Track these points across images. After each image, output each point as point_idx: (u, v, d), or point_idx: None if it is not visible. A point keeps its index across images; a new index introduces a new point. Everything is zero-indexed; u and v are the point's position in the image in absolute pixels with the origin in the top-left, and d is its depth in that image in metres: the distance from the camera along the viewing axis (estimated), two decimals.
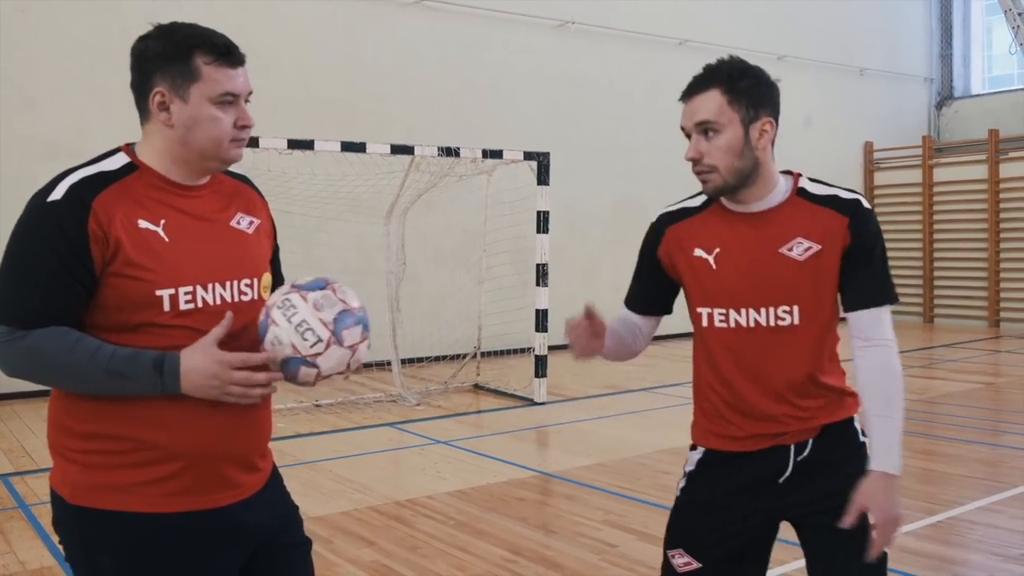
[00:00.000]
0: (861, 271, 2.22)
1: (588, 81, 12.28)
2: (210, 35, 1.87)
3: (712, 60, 2.27)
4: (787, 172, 2.32)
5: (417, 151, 8.00)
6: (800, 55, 14.92)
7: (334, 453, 6.55)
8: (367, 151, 7.70)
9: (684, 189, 2.53)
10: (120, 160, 1.86)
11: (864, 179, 16.24)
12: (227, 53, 1.87)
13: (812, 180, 2.31)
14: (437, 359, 10.40)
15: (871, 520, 2.13)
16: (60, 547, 1.93)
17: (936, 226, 15.34)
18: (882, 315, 2.25)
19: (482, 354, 9.57)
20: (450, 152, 8.05)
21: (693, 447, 2.42)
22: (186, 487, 1.84)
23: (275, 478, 2.09)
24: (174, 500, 1.83)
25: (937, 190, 15.34)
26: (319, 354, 1.80)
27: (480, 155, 8.26)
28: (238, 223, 1.99)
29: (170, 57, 1.83)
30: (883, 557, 2.20)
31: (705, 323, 2.27)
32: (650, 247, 2.39)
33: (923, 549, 4.40)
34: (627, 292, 2.48)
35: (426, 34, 11.23)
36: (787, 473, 2.24)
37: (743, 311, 2.22)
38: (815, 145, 15.28)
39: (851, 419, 2.31)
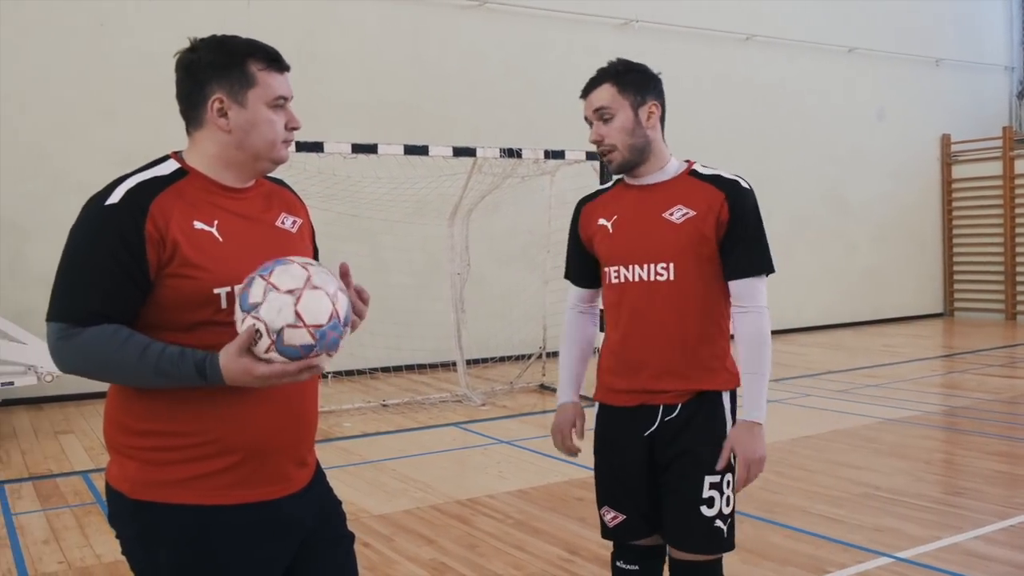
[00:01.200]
0: (739, 244, 2.57)
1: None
2: (259, 44, 1.98)
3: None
4: (686, 160, 2.70)
5: (479, 152, 8.05)
6: (872, 47, 14.58)
7: (399, 452, 6.63)
8: (430, 153, 7.77)
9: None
10: (171, 165, 1.95)
11: (941, 172, 15.78)
12: (276, 60, 1.98)
13: (704, 166, 2.68)
14: (502, 359, 10.45)
15: (737, 460, 2.56)
16: (117, 541, 1.99)
17: (1019, 220, 14.82)
18: (757, 283, 2.60)
19: (547, 354, 9.58)
20: (512, 153, 8.07)
21: (592, 404, 2.81)
22: (240, 480, 1.90)
23: (320, 473, 2.15)
24: (229, 493, 1.89)
25: (1019, 183, 14.81)
26: (258, 304, 1.73)
27: (542, 156, 8.27)
28: (283, 223, 2.07)
29: (225, 66, 1.93)
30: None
31: (606, 280, 2.69)
32: (573, 226, 2.83)
33: (995, 554, 4.27)
34: (567, 267, 2.90)
35: (489, 36, 11.28)
36: (653, 428, 2.62)
37: (631, 267, 2.61)
38: (889, 139, 14.93)
39: (720, 393, 2.63)
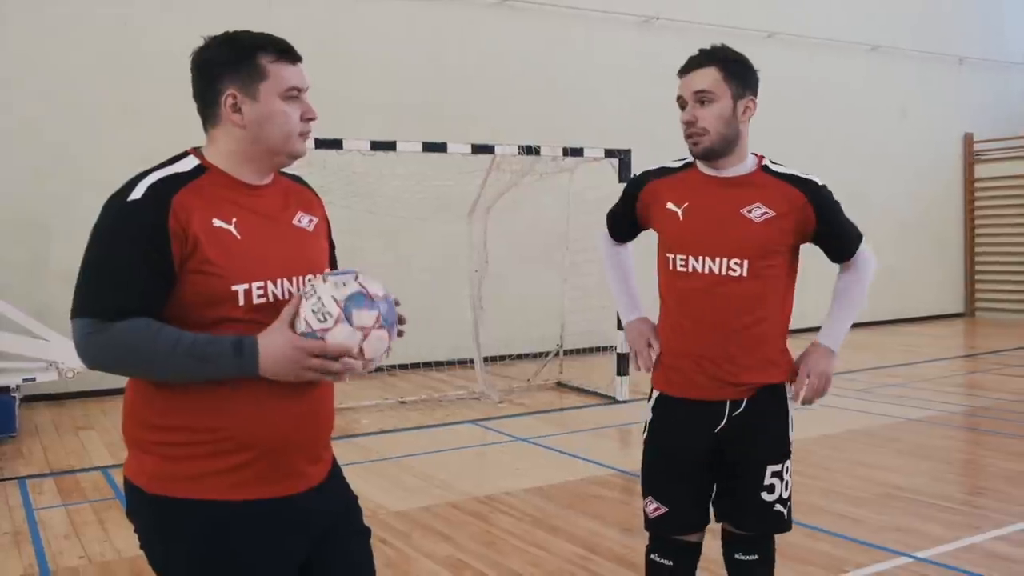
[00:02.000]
0: (835, 236, 2.73)
1: (672, 77, 12.00)
2: (268, 36, 1.98)
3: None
4: (753, 154, 2.72)
5: (498, 150, 8.04)
6: (895, 45, 14.47)
7: (417, 449, 6.65)
8: (448, 151, 7.78)
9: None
10: (191, 162, 1.96)
11: (964, 172, 15.65)
12: (287, 50, 1.98)
13: (773, 162, 2.71)
14: (520, 357, 10.45)
15: (805, 375, 2.67)
16: (136, 535, 2.00)
17: None
18: (862, 250, 2.79)
19: (565, 352, 9.57)
20: (530, 150, 8.07)
21: (650, 394, 2.81)
22: (257, 475, 1.91)
23: (336, 469, 2.16)
24: (246, 488, 1.91)
25: None
26: (327, 329, 1.84)
27: (560, 153, 8.26)
28: (299, 221, 2.07)
29: (236, 61, 1.94)
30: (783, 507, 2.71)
31: (670, 267, 2.68)
32: (631, 194, 2.84)
33: (1015, 555, 4.23)
34: (610, 215, 2.97)
35: (509, 33, 11.27)
36: (722, 424, 2.65)
37: (701, 259, 2.62)
38: (911, 137, 14.82)
39: (783, 384, 2.71)
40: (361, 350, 1.86)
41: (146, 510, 1.93)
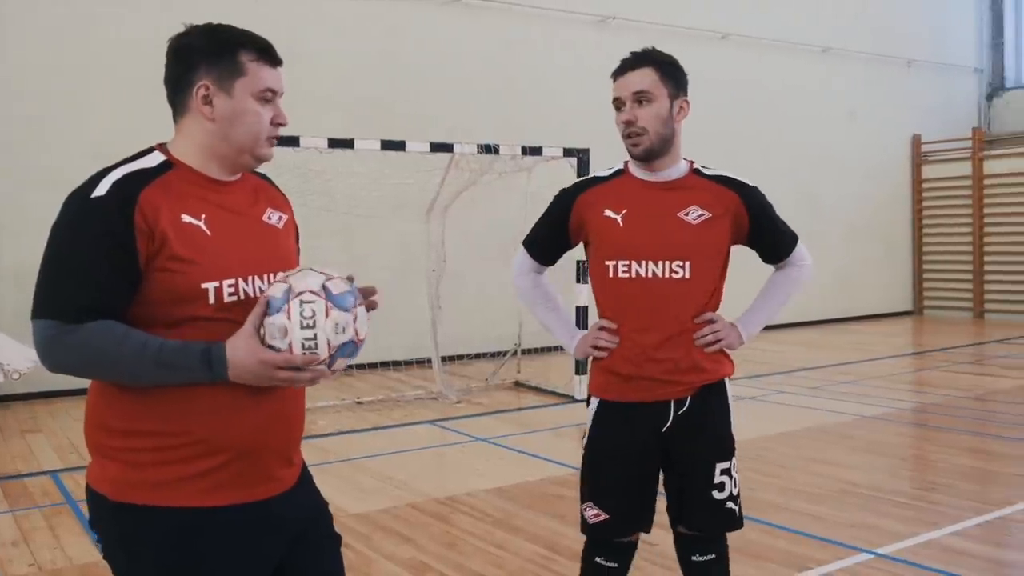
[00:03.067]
0: (769, 234, 2.79)
1: None
2: (252, 35, 1.95)
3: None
4: (684, 159, 2.77)
5: (456, 149, 7.99)
6: (845, 47, 14.67)
7: (375, 450, 6.57)
8: (407, 149, 7.70)
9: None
10: (157, 158, 1.90)
11: (912, 172, 15.93)
12: (269, 52, 1.95)
13: (703, 165, 2.77)
14: (478, 356, 10.40)
15: (715, 325, 2.70)
16: (97, 545, 1.93)
17: (987, 220, 14.99)
18: (799, 249, 2.86)
19: (523, 351, 9.55)
20: (489, 149, 8.03)
21: (588, 400, 2.83)
22: (228, 480, 1.86)
23: (306, 473, 2.11)
24: (217, 493, 1.85)
25: (988, 183, 14.98)
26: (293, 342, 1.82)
27: (519, 152, 8.23)
28: (269, 218, 2.03)
29: (215, 53, 1.89)
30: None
31: (611, 274, 2.68)
32: (560, 209, 2.80)
33: (972, 549, 4.28)
34: (532, 241, 2.91)
35: (466, 32, 11.22)
36: (668, 424, 2.69)
37: (644, 263, 2.65)
38: (861, 138, 15.04)
39: (724, 380, 2.78)
40: (330, 356, 1.82)
41: (110, 519, 1.86)
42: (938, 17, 16.18)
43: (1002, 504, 4.96)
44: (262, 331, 1.80)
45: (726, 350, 2.76)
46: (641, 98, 2.61)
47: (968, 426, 7.06)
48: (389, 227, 9.71)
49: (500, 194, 9.44)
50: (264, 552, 1.93)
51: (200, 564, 1.84)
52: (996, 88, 16.79)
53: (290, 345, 1.78)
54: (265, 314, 1.79)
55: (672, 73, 2.67)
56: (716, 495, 2.72)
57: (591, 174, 2.86)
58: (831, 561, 4.15)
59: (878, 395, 8.35)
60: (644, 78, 2.62)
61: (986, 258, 15.00)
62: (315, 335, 1.78)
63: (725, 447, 2.76)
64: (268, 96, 1.93)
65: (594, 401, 2.80)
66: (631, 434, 2.70)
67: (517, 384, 9.24)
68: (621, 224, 2.67)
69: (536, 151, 8.29)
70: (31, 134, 8.88)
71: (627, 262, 2.65)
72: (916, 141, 15.85)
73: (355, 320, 1.83)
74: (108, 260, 1.75)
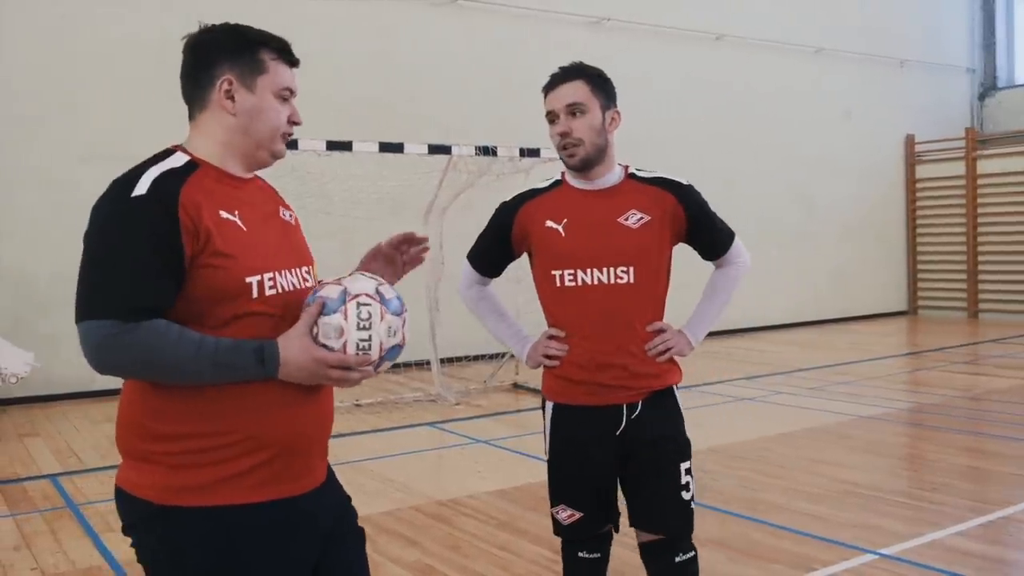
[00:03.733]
0: (707, 231, 2.85)
1: (623, 77, 11.88)
2: (271, 34, 2.02)
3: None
4: (619, 164, 2.82)
5: (455, 150, 8.00)
6: (838, 48, 14.73)
7: (375, 453, 6.57)
8: (405, 151, 7.71)
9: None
10: (181, 158, 1.92)
11: (906, 172, 15.99)
12: (288, 52, 2.02)
13: (638, 168, 2.83)
14: (476, 358, 10.40)
15: (665, 335, 2.76)
16: (134, 549, 1.93)
17: (980, 219, 15.07)
18: (736, 246, 2.93)
19: None
20: (487, 151, 8.04)
21: (543, 405, 2.88)
22: (273, 476, 1.88)
23: (330, 467, 2.16)
24: (262, 490, 1.87)
25: (981, 182, 15.05)
26: (347, 342, 1.89)
27: (517, 153, 8.24)
28: (284, 215, 2.09)
29: (239, 49, 1.95)
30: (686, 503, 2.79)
31: (557, 283, 2.73)
32: (502, 221, 2.86)
33: (972, 549, 4.31)
34: (476, 254, 2.98)
35: (461, 33, 11.23)
36: (622, 426, 2.74)
37: (589, 271, 2.69)
38: (855, 139, 15.09)
39: (672, 388, 2.82)
40: (380, 358, 1.90)
41: (152, 523, 1.86)
42: (930, 17, 16.25)
43: (1003, 504, 4.99)
44: (315, 330, 1.85)
45: (675, 357, 2.82)
46: (575, 110, 2.68)
47: (965, 426, 7.10)
48: (387, 229, 9.49)
49: (498, 196, 9.39)
50: (305, 548, 1.95)
51: (244, 562, 1.85)
52: (988, 88, 16.87)
53: (344, 345, 1.85)
54: (320, 314, 1.84)
55: (602, 85, 2.74)
56: (684, 495, 2.78)
57: (531, 187, 2.89)
58: (836, 562, 4.17)
59: (876, 395, 8.39)
60: (576, 91, 2.69)
61: (980, 257, 15.08)
62: (370, 336, 1.86)
63: (683, 448, 2.81)
64: (286, 95, 1.98)
65: (549, 404, 2.86)
66: (588, 434, 2.76)
67: (515, 386, 9.26)
68: (563, 234, 2.72)
69: (534, 152, 8.31)
70: (23, 134, 8.84)
71: (572, 271, 2.70)
72: (910, 141, 15.92)
73: (403, 324, 1.94)
74: (158, 259, 1.77)
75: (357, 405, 8.30)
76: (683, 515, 2.80)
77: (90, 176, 9.70)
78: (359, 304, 1.86)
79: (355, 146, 7.53)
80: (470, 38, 11.29)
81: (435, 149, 7.91)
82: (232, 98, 1.93)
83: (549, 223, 2.74)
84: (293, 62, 2.01)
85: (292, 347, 1.83)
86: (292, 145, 7.16)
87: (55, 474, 6.15)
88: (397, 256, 2.29)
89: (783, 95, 14.14)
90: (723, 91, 13.34)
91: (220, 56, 1.94)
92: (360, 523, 2.19)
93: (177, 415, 1.84)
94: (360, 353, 1.86)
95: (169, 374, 1.80)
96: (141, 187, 1.80)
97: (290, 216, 2.11)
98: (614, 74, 2.83)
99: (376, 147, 7.59)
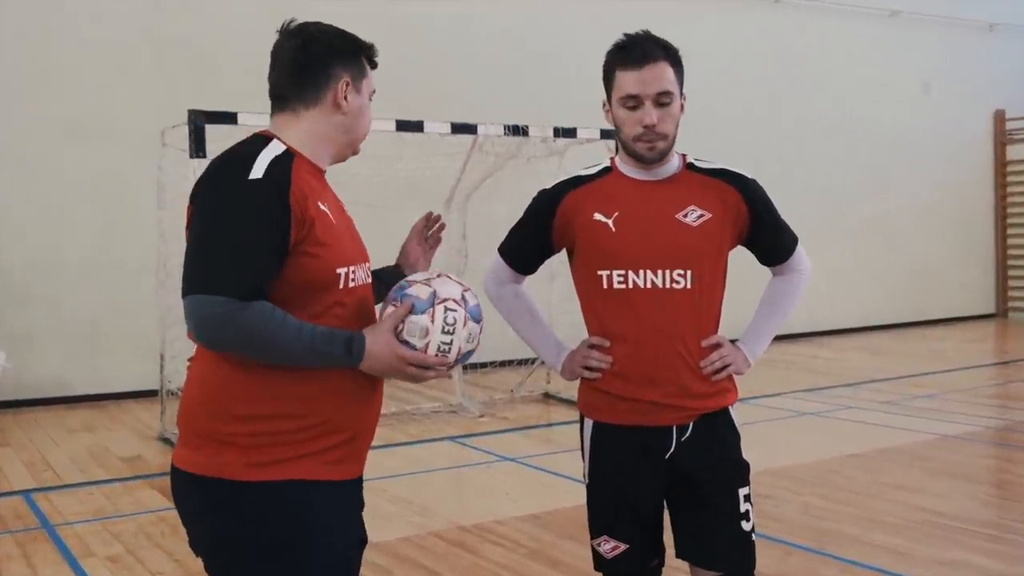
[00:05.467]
0: (770, 233, 2.83)
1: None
2: (367, 41, 2.37)
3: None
4: (676, 153, 2.79)
5: (480, 130, 8.00)
6: (917, 10, 14.58)
7: (390, 471, 6.58)
8: (424, 130, 7.71)
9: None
10: (278, 146, 2.18)
11: (994, 152, 15.81)
12: (376, 57, 2.37)
13: (697, 159, 2.80)
14: (502, 364, 10.37)
15: (722, 350, 2.74)
16: (196, 540, 2.20)
17: None
18: (799, 252, 2.91)
19: None
20: (517, 131, 8.03)
21: (581, 422, 2.86)
22: (344, 456, 2.21)
23: None
24: (334, 468, 2.18)
25: None
26: (429, 344, 2.18)
27: (551, 134, 8.22)
28: (347, 210, 2.39)
29: (351, 53, 2.31)
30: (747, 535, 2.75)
31: (604, 285, 2.71)
32: (543, 211, 2.82)
33: None
34: (509, 247, 2.96)
35: (488, 1, 11.21)
36: (671, 450, 2.72)
37: (642, 272, 2.66)
38: (936, 115, 14.95)
39: (727, 409, 2.79)
40: (455, 361, 2.20)
41: (235, 500, 2.10)
42: None
43: None
44: (400, 327, 2.15)
45: (733, 375, 2.80)
46: (663, 99, 2.64)
47: None
48: (402, 217, 9.62)
49: (528, 181, 9.38)
50: (361, 527, 2.31)
51: (317, 534, 2.13)
52: None
53: (426, 345, 2.15)
54: (409, 313, 2.15)
55: (682, 70, 2.71)
56: (744, 526, 2.74)
57: (576, 173, 2.85)
58: None
59: (959, 411, 8.30)
60: (666, 75, 2.64)
61: None
62: (451, 340, 2.17)
63: (742, 472, 2.79)
64: (372, 98, 2.36)
65: (587, 422, 2.83)
66: (634, 457, 2.74)
67: (546, 396, 9.25)
68: (613, 228, 2.69)
69: (570, 132, 8.28)
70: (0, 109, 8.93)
71: (622, 272, 2.68)
72: (999, 117, 15.74)
73: (480, 331, 2.23)
74: (270, 242, 2.04)
75: None
76: (743, 548, 2.75)
77: (75, 153, 9.88)
78: (446, 309, 2.17)
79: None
80: (496, 5, 11.25)
81: (459, 128, 7.91)
82: (346, 98, 2.26)
83: (597, 216, 2.71)
84: (375, 66, 2.37)
85: (379, 341, 2.12)
86: None
87: (28, 490, 6.20)
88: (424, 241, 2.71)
89: (852, 66, 14.01)
90: (783, 61, 13.23)
91: (337, 58, 2.26)
92: (375, 551, 2.39)
93: (260, 397, 2.11)
94: (440, 355, 2.16)
95: (268, 353, 2.06)
96: (257, 171, 2.07)
97: (347, 207, 2.38)
98: None
99: (393, 125, 7.60)
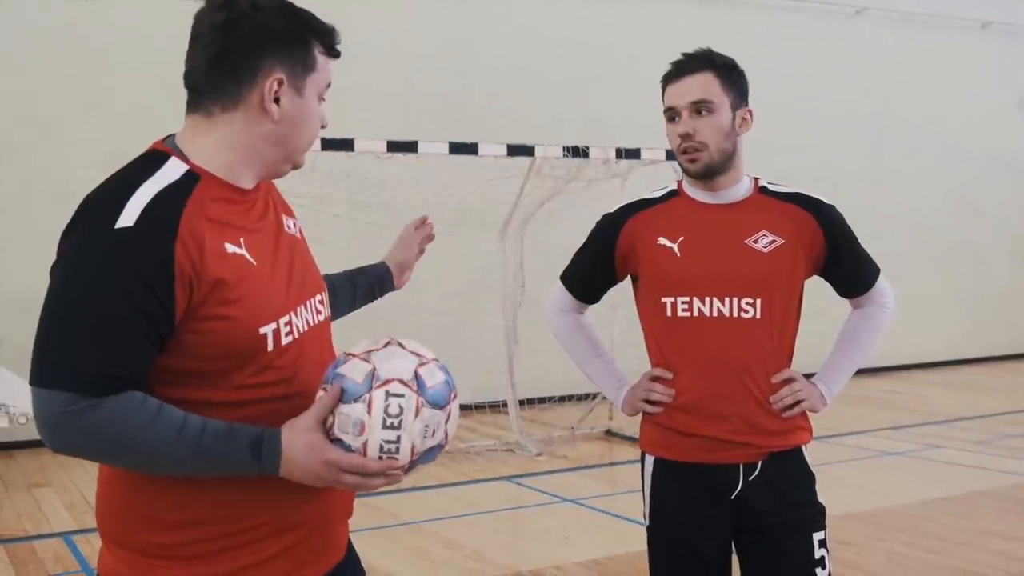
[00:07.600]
0: (849, 262, 2.83)
1: (741, 63, 12.09)
2: (322, 22, 1.90)
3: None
4: (747, 176, 2.81)
5: (538, 152, 8.04)
6: (1011, 20, 14.39)
7: (441, 512, 6.59)
8: (479, 153, 7.77)
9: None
10: (177, 167, 1.77)
11: None
12: (335, 41, 1.91)
13: (770, 182, 2.81)
14: (562, 399, 10.36)
15: (795, 385, 2.72)
16: None
17: None
18: (882, 284, 2.89)
19: None
20: (577, 152, 8.05)
21: (642, 460, 2.85)
22: (303, 558, 1.85)
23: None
24: (299, 572, 1.85)
25: None
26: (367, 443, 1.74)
27: (613, 155, 8.23)
28: (289, 227, 1.98)
29: (292, 40, 1.83)
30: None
31: (668, 313, 2.71)
32: (606, 236, 2.85)
33: None
34: (572, 275, 2.98)
35: (546, 15, 11.28)
36: (738, 490, 2.69)
37: (708, 300, 2.67)
38: None
39: (800, 448, 2.78)
40: (410, 462, 1.76)
41: None
42: None
43: None
44: (330, 420, 1.72)
45: (808, 412, 2.78)
46: (701, 108, 2.67)
47: None
48: (455, 245, 9.75)
49: (588, 205, 9.40)
50: None
51: None
52: None
53: (364, 445, 1.70)
54: (340, 400, 1.71)
55: (735, 79, 2.73)
56: (819, 573, 2.70)
57: (641, 196, 2.88)
58: None
59: None
60: (704, 85, 2.68)
61: None
62: (398, 437, 1.70)
63: (818, 515, 2.76)
64: (325, 95, 1.91)
65: (648, 460, 2.83)
66: (698, 497, 2.73)
67: (609, 433, 9.21)
68: (678, 254, 2.71)
69: (633, 154, 8.29)
70: (36, 137, 9.14)
71: (687, 299, 2.68)
72: None
73: (447, 420, 1.77)
74: (142, 316, 1.64)
75: None
76: None
77: None
78: (388, 394, 1.70)
79: (421, 147, 7.62)
80: (556, 20, 11.32)
81: (515, 150, 7.95)
82: (277, 101, 1.80)
83: (662, 240, 2.73)
84: (336, 56, 1.91)
85: (297, 442, 1.70)
86: (347, 146, 7.26)
87: (68, 532, 6.29)
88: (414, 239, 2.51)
89: (940, 80, 13.85)
90: (864, 77, 13.12)
91: (269, 46, 1.79)
92: None
93: (180, 499, 1.76)
94: (384, 456, 1.70)
95: (140, 463, 1.70)
96: (128, 216, 1.65)
97: (294, 226, 1.99)
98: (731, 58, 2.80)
99: (446, 148, 7.66)
